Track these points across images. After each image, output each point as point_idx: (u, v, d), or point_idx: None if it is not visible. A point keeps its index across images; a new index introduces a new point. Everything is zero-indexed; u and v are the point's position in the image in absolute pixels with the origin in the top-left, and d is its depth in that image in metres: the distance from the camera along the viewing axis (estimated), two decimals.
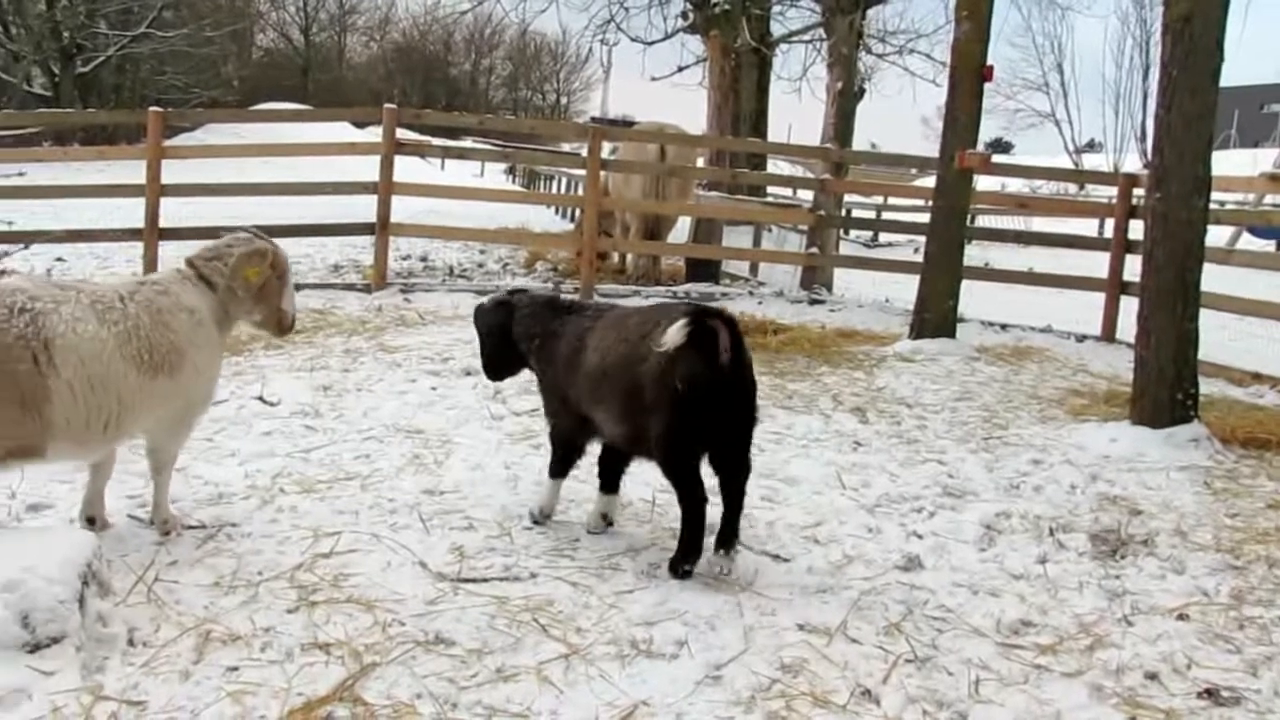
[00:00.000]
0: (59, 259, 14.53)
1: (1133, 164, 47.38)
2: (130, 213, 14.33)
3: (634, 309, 5.92)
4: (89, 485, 5.55)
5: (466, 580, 5.15)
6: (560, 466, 6.09)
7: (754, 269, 18.26)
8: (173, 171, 13.74)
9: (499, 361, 6.43)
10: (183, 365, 5.21)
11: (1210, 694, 4.54)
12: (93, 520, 5.53)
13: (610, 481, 5.98)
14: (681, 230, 17.97)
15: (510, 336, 6.23)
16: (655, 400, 5.26)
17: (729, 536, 5.43)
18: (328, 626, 4.59)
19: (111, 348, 4.95)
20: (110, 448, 5.39)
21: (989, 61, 11.81)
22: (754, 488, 6.61)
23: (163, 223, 13.62)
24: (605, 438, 5.82)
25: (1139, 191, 12.62)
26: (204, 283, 5.49)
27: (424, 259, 17.40)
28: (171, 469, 5.63)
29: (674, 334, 5.06)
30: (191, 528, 5.60)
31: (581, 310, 6.13)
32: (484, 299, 6.60)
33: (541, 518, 6.04)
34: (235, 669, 4.22)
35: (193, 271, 5.52)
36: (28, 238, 11.77)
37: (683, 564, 5.36)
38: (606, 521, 6.00)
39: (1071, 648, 4.87)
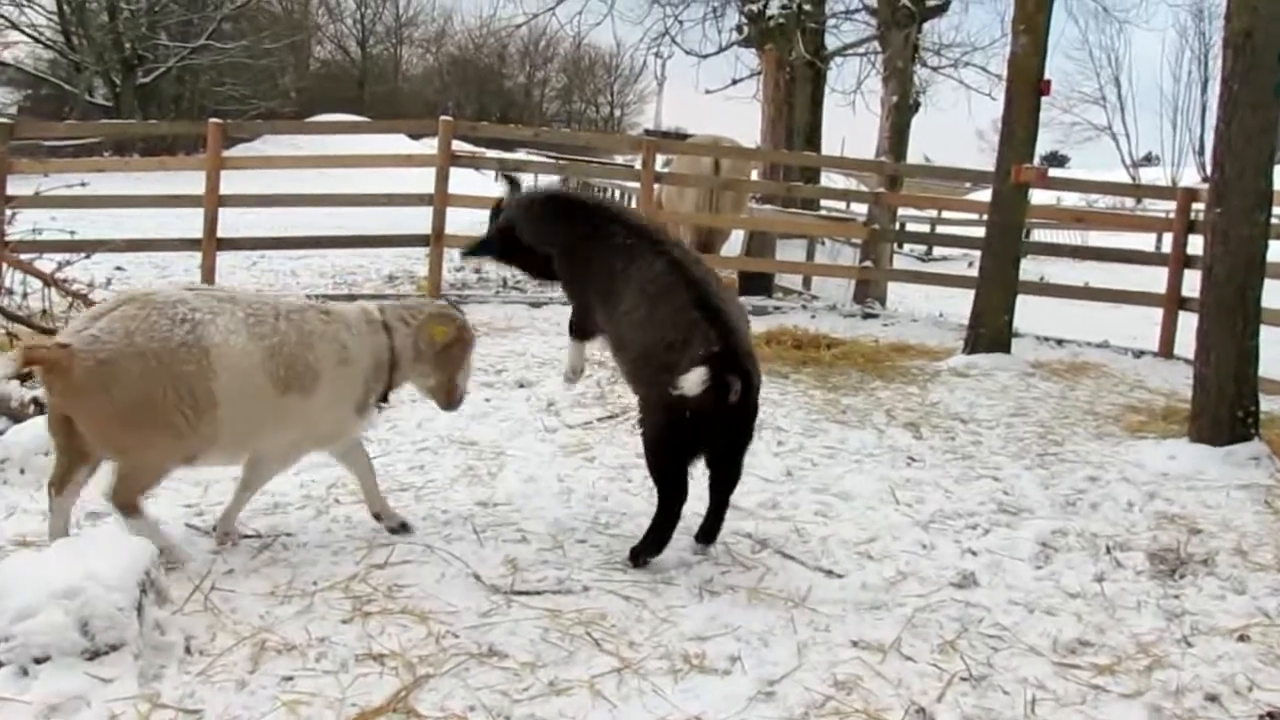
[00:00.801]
0: (119, 268, 14.70)
1: (1190, 178, 47.08)
2: (189, 222, 14.47)
3: (673, 281, 5.70)
4: (360, 484, 5.92)
5: (520, 592, 5.16)
6: (579, 332, 6.44)
7: (807, 282, 18.23)
8: (230, 182, 13.87)
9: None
10: (315, 390, 5.31)
11: (1272, 717, 4.49)
12: (378, 517, 5.87)
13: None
14: (735, 243, 17.96)
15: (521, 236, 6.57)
16: (659, 408, 5.50)
17: (711, 531, 5.84)
18: (382, 637, 4.61)
19: (258, 360, 5.13)
20: (237, 460, 5.56)
21: (1046, 75, 11.74)
22: (807, 502, 6.65)
23: (220, 233, 13.75)
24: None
25: (1198, 206, 12.51)
26: (382, 328, 5.62)
27: (477, 270, 17.46)
28: (257, 490, 5.71)
29: (692, 383, 5.12)
30: (247, 537, 5.64)
31: (615, 224, 6.16)
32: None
33: (573, 375, 6.60)
34: (290, 679, 4.25)
35: (376, 314, 5.67)
36: (89, 247, 11.89)
37: (643, 555, 5.58)
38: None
39: (1130, 668, 4.82)
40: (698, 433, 5.43)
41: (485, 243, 7.01)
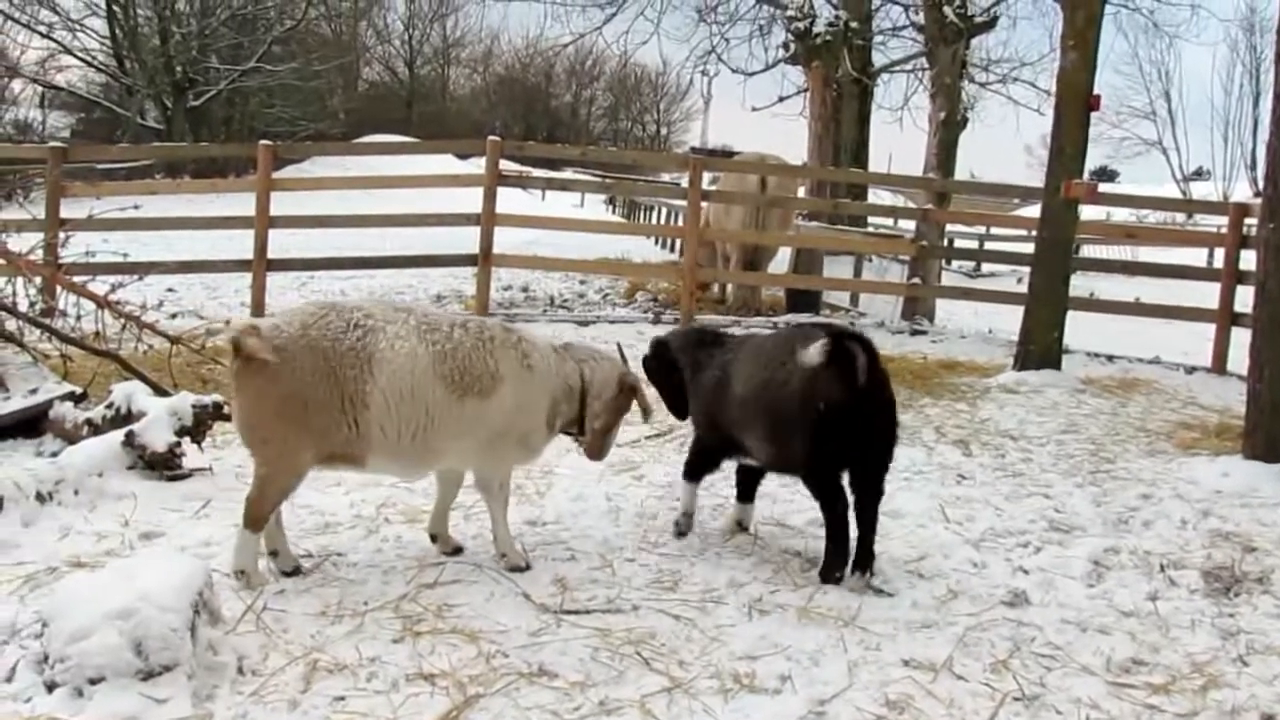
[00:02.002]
0: (170, 289, 14.83)
1: (1242, 192, 46.65)
2: (240, 244, 14.61)
3: (769, 335, 6.41)
4: (435, 503, 5.96)
5: (569, 612, 5.17)
6: (694, 472, 6.45)
7: (854, 299, 18.17)
8: (280, 203, 13.99)
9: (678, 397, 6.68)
10: (495, 391, 5.44)
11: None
12: (434, 538, 5.91)
13: (746, 493, 6.53)
14: (782, 260, 17.94)
15: (671, 372, 6.58)
16: (799, 421, 5.60)
17: (866, 559, 5.74)
18: (432, 657, 4.62)
19: (425, 364, 5.27)
20: (427, 467, 5.66)
21: (1096, 90, 11.68)
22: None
23: (270, 254, 13.87)
24: (753, 459, 6.15)
25: (1250, 221, 12.40)
26: (571, 358, 5.90)
27: (525, 289, 17.53)
28: (504, 500, 5.76)
29: (814, 353, 5.46)
30: (300, 557, 5.67)
31: (723, 341, 6.53)
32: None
33: (685, 520, 6.40)
34: (342, 698, 4.27)
35: (564, 351, 5.94)
36: (142, 269, 11.99)
37: (832, 571, 5.68)
38: (741, 528, 6.49)
39: (1184, 688, 4.78)
40: (839, 428, 5.53)
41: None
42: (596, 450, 6.02)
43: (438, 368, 5.29)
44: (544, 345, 5.81)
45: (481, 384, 5.40)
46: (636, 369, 6.25)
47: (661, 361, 6.62)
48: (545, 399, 5.69)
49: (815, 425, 5.54)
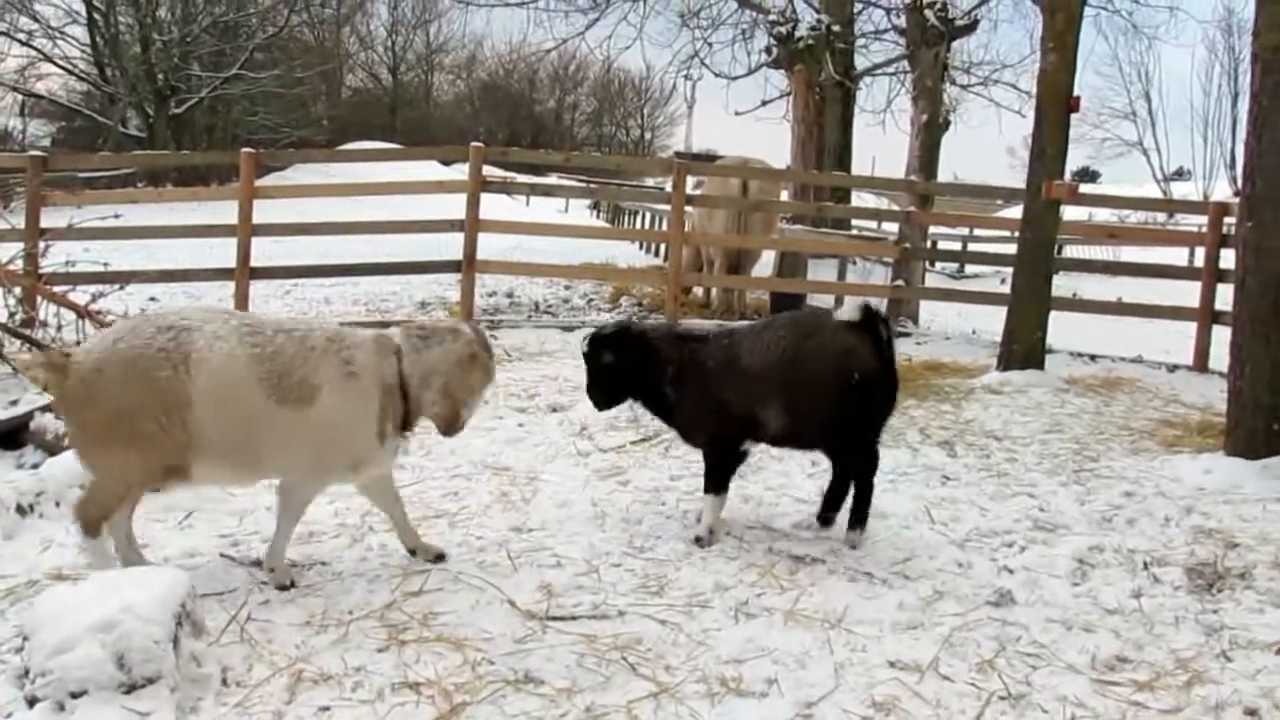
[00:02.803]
0: (152, 299, 14.78)
1: (1222, 191, 46.83)
2: (222, 252, 14.58)
3: (770, 320, 6.83)
4: (392, 520, 5.91)
5: (555, 618, 5.16)
6: (722, 478, 6.47)
7: (839, 302, 18.16)
8: (263, 211, 13.97)
9: (612, 391, 6.74)
10: (313, 402, 5.22)
11: (1253, 714, 4.47)
12: (413, 551, 5.85)
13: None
14: (766, 264, 17.95)
15: (635, 366, 6.57)
16: (832, 389, 6.09)
17: (862, 517, 6.38)
18: (418, 665, 4.62)
19: (242, 364, 5.11)
20: (256, 476, 5.57)
21: (1076, 92, 11.71)
22: (842, 522, 6.61)
23: (253, 262, 13.84)
24: (770, 432, 6.37)
25: (1230, 220, 12.45)
26: (394, 353, 5.49)
27: (510, 295, 17.52)
28: (294, 517, 5.55)
29: (852, 307, 6.15)
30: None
31: (710, 335, 6.59)
32: (596, 330, 6.82)
33: (709, 538, 6.32)
34: (327, 709, 4.26)
35: (392, 339, 5.56)
36: (123, 278, 11.97)
37: (860, 527, 6.33)
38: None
39: (1169, 684, 4.79)
40: (868, 396, 6.14)
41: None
42: (443, 427, 5.67)
43: (254, 369, 5.13)
44: (366, 344, 5.46)
45: (300, 393, 5.19)
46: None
47: (631, 351, 6.56)
48: (374, 410, 5.39)
49: (846, 394, 6.08)
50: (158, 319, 5.23)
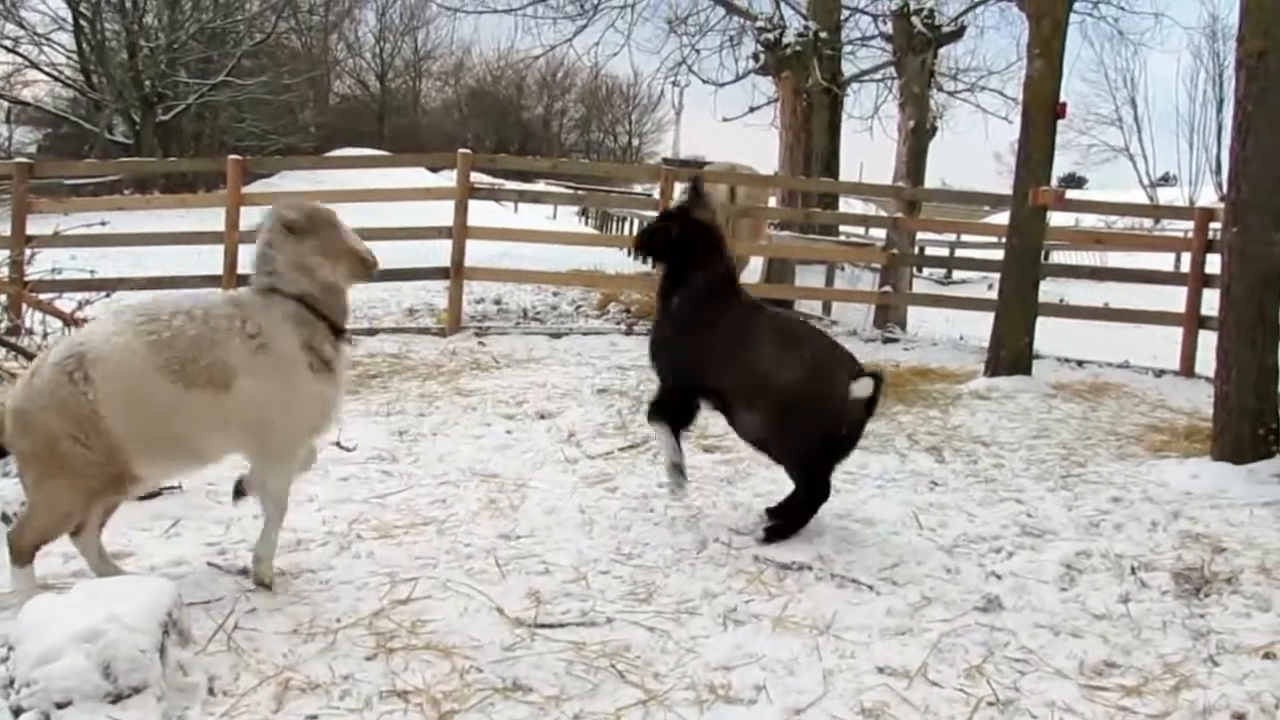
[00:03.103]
0: None
1: (1208, 197, 47.00)
2: (210, 259, 14.56)
3: (801, 331, 6.96)
4: None
5: (543, 625, 5.15)
6: (661, 412, 6.85)
7: (827, 308, 18.21)
8: (251, 218, 13.93)
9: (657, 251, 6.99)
10: (232, 383, 5.09)
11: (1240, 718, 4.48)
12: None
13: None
14: (754, 270, 17.97)
15: (679, 254, 6.81)
16: (818, 429, 6.40)
17: (787, 527, 6.52)
18: (406, 674, 4.60)
19: (142, 357, 4.99)
20: (199, 465, 5.46)
21: (1062, 98, 11.75)
22: (831, 529, 6.64)
23: (241, 269, 13.81)
24: (732, 422, 6.75)
25: (1216, 225, 12.49)
26: (274, 293, 5.34)
27: (498, 302, 17.50)
28: (279, 512, 5.47)
29: (863, 388, 6.32)
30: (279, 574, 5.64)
31: (742, 301, 6.80)
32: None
33: (675, 473, 6.80)
34: (315, 717, 4.24)
35: (259, 288, 5.38)
36: (109, 285, 11.95)
37: (782, 534, 6.42)
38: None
39: (1156, 689, 4.80)
40: (844, 442, 6.56)
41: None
42: (363, 272, 5.61)
43: (154, 359, 4.99)
44: (262, 304, 5.29)
45: (210, 375, 5.04)
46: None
47: (697, 240, 6.79)
48: (299, 367, 5.24)
49: (830, 437, 6.46)
50: (65, 340, 5.18)
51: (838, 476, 7.80)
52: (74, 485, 5.01)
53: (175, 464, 5.37)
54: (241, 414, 5.15)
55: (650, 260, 7.11)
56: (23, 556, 5.11)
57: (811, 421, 6.39)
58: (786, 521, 6.48)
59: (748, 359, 6.53)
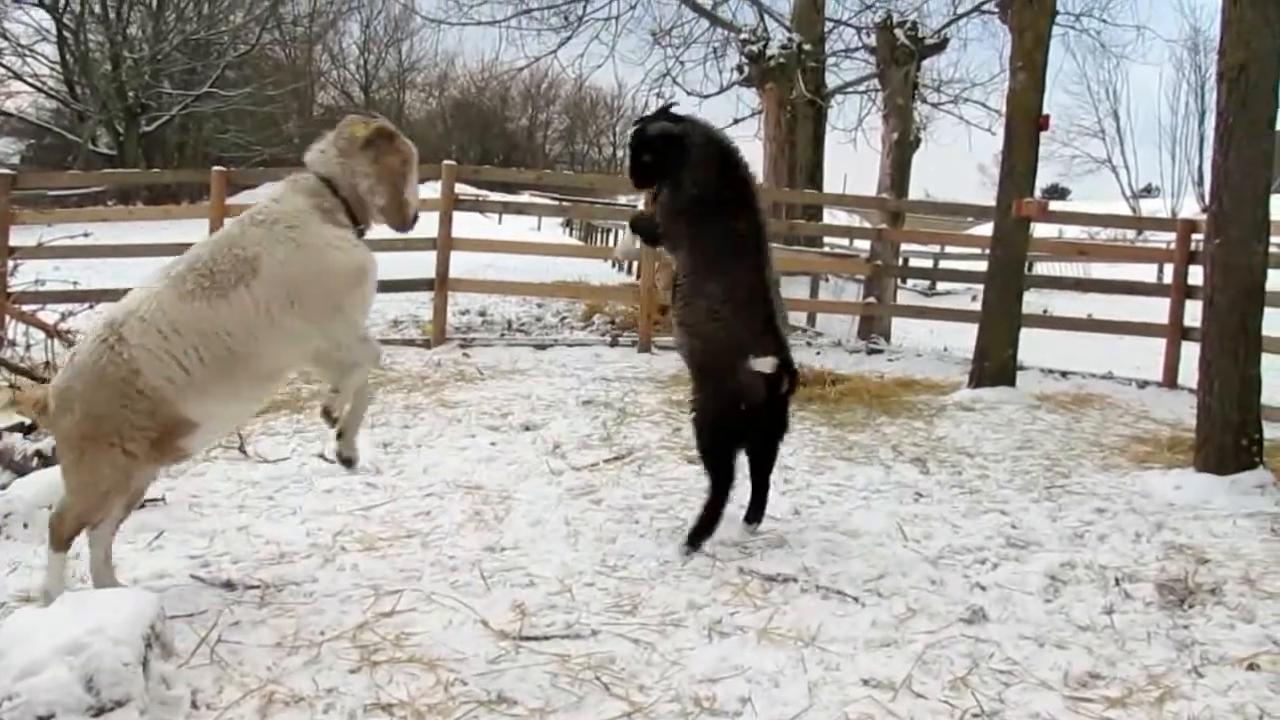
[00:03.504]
0: None
1: (1190, 208, 47.20)
2: None
3: (755, 296, 6.64)
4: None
5: (528, 638, 5.14)
6: (647, 234, 7.09)
7: (811, 319, 18.24)
8: None
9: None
10: (258, 269, 5.06)
11: None
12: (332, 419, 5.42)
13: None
14: None
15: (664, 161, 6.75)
16: (716, 396, 6.48)
17: (758, 513, 6.79)
18: (390, 687, 4.59)
19: (167, 297, 5.08)
20: (263, 386, 5.41)
21: (1045, 110, 11.80)
22: (816, 540, 6.65)
23: None
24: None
25: (1198, 236, 12.54)
26: (323, 181, 5.36)
27: (482, 314, 17.50)
28: (353, 375, 5.33)
29: (764, 364, 6.32)
30: (252, 588, 5.62)
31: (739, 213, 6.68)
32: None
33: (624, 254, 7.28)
34: None
35: (305, 174, 5.41)
36: (92, 297, 11.92)
37: (699, 538, 6.39)
38: None
39: (1141, 700, 4.80)
40: (743, 421, 6.44)
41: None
42: (399, 220, 5.63)
43: (179, 289, 5.07)
44: (292, 194, 5.32)
45: (239, 273, 5.05)
46: None
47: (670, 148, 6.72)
48: (327, 235, 5.25)
49: (726, 411, 6.45)
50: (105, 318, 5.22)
51: (822, 488, 7.86)
52: (115, 457, 5.03)
53: (228, 389, 5.19)
54: (272, 291, 5.09)
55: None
56: (62, 542, 5.15)
57: (715, 381, 6.49)
58: (698, 524, 6.45)
59: (706, 284, 6.53)
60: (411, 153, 5.59)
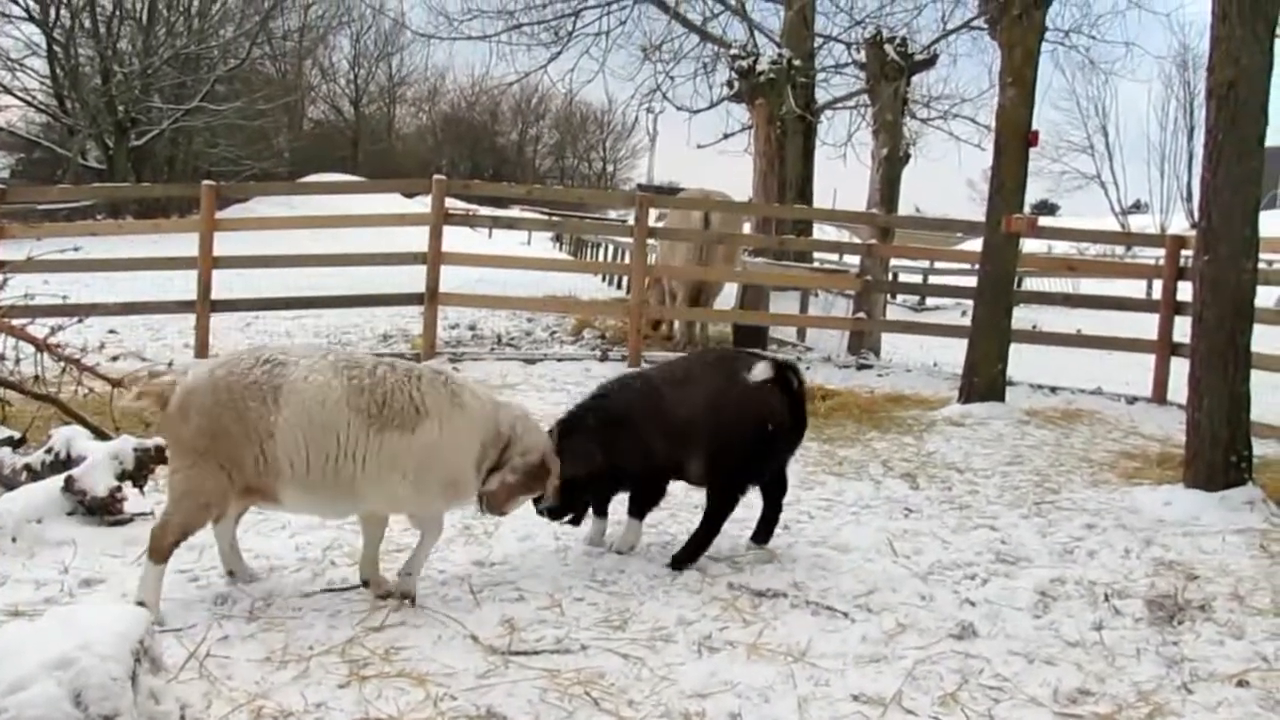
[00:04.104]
0: (112, 331, 14.70)
1: (1179, 224, 47.35)
2: (183, 284, 14.53)
3: (681, 364, 7.13)
4: (363, 547, 5.86)
5: (517, 653, 5.13)
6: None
7: (801, 334, 18.25)
8: (224, 243, 13.92)
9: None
10: (419, 425, 5.39)
11: None
12: (366, 584, 5.80)
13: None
14: (729, 296, 18.00)
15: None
16: (741, 436, 6.38)
17: (768, 533, 6.84)
18: (379, 701, 4.58)
19: (338, 395, 5.29)
20: (345, 506, 5.62)
21: (1034, 126, 11.82)
22: (806, 555, 6.65)
23: (215, 294, 13.79)
24: (689, 477, 6.63)
25: (1187, 252, 12.56)
26: (500, 407, 5.81)
27: (472, 328, 17.48)
28: (430, 539, 5.80)
29: (762, 369, 6.36)
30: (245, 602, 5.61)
31: (628, 384, 6.94)
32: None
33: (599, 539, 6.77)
34: None
35: (499, 409, 5.82)
36: (82, 311, 11.90)
37: (687, 562, 6.40)
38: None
39: (1131, 716, 4.80)
40: (775, 444, 6.53)
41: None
42: (501, 503, 5.86)
43: (352, 399, 5.31)
44: (472, 388, 5.77)
45: (404, 417, 5.38)
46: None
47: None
48: (469, 450, 5.63)
49: (755, 441, 6.42)
50: (260, 351, 5.51)
51: (812, 503, 7.87)
52: (219, 479, 5.27)
53: (321, 502, 5.54)
54: (420, 453, 5.42)
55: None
56: (162, 553, 5.32)
57: (721, 434, 6.42)
58: (689, 547, 6.51)
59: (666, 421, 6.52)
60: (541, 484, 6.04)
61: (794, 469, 8.67)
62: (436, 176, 14.84)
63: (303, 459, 5.26)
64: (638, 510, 6.68)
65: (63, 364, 9.41)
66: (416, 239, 14.56)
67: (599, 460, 6.40)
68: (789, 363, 6.63)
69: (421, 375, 5.55)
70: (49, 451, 7.16)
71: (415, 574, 5.71)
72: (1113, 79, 48.21)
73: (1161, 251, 14.24)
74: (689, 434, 6.41)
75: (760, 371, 6.36)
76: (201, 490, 5.28)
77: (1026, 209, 12.43)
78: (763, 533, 6.85)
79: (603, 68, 28.51)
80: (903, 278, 27.68)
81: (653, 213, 15.50)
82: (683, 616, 5.66)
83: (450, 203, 15.11)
